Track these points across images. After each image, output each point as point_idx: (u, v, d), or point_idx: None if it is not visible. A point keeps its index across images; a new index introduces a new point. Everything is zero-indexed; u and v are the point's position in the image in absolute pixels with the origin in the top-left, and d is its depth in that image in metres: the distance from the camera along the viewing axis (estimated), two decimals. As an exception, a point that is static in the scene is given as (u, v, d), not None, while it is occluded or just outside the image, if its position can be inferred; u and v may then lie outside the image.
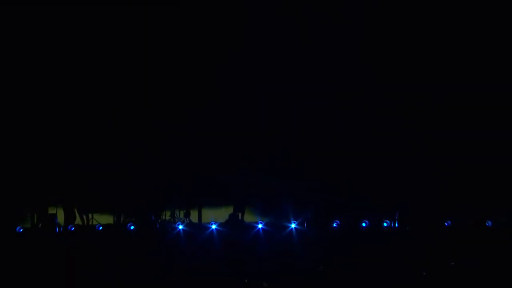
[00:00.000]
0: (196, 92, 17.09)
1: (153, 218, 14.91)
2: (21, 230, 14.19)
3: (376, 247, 12.74)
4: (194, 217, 16.28)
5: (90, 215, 15.26)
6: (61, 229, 14.48)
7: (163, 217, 15.31)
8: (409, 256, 11.56)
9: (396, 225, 14.52)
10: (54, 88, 16.79)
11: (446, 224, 14.32)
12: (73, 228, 14.62)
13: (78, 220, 15.14)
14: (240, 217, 15.32)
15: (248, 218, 15.50)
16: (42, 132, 16.67)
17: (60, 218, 14.81)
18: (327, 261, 11.15)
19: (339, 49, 16.89)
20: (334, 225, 14.47)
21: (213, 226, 14.66)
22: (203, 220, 16.81)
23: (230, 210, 15.45)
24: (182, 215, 15.70)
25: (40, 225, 14.49)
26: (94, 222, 15.20)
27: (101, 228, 14.76)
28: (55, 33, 16.57)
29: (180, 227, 14.96)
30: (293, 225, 14.66)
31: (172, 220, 15.40)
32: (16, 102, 16.65)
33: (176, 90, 17.08)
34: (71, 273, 10.49)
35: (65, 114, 16.84)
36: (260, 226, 14.73)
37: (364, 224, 14.48)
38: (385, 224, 14.50)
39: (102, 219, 15.45)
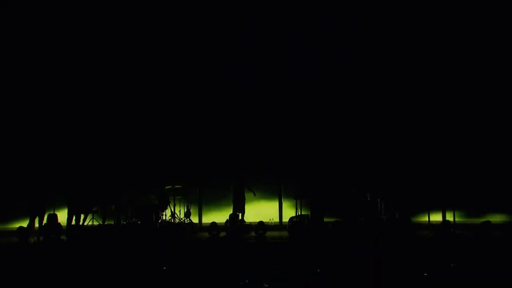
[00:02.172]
0: (196, 92, 17.10)
1: (153, 218, 14.87)
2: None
3: (377, 246, 12.73)
4: (194, 217, 16.32)
5: (91, 215, 15.27)
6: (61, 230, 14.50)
7: (164, 217, 15.30)
8: (409, 256, 11.55)
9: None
10: (55, 88, 16.83)
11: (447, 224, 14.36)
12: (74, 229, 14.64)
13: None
14: (240, 218, 15.30)
15: (248, 218, 15.50)
16: (42, 131, 16.70)
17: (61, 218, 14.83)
18: (326, 261, 11.12)
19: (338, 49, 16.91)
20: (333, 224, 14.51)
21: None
22: (204, 220, 16.87)
23: (230, 210, 15.44)
24: (182, 215, 15.71)
25: (40, 225, 14.46)
26: (95, 223, 15.21)
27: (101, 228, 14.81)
28: (55, 33, 16.59)
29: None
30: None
31: (172, 220, 15.39)
32: (15, 103, 16.68)
33: (176, 90, 17.09)
34: (73, 273, 10.48)
35: (66, 113, 16.88)
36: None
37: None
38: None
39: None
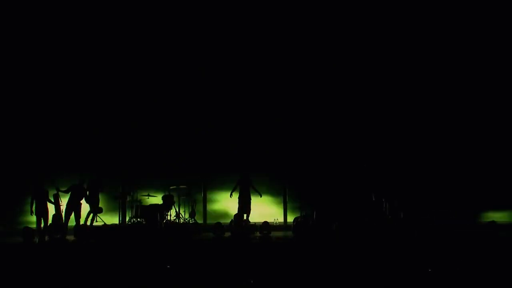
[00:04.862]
0: (198, 92, 17.11)
1: (158, 219, 14.88)
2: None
3: (379, 245, 12.74)
4: (199, 217, 16.31)
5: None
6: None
7: (168, 217, 15.30)
8: (413, 252, 11.56)
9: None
10: (60, 91, 16.85)
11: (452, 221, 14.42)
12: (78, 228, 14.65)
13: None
14: (245, 218, 15.28)
15: (253, 218, 15.48)
16: (45, 131, 16.71)
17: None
18: (330, 260, 11.11)
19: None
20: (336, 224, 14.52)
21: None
22: (208, 221, 16.87)
23: (235, 210, 15.42)
24: (187, 215, 15.71)
25: (45, 226, 14.49)
26: (100, 222, 15.24)
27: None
28: (55, 33, 16.60)
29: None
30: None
31: (177, 220, 15.40)
32: (20, 107, 16.71)
33: (176, 90, 17.10)
34: (78, 273, 10.51)
35: (70, 115, 16.89)
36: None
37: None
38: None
39: (108, 219, 15.50)
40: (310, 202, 15.35)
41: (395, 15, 16.49)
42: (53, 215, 14.61)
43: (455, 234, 13.74)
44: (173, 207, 15.48)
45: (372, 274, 10.12)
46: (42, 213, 14.48)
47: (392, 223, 14.43)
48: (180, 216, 15.55)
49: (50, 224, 14.49)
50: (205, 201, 17.11)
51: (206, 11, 16.50)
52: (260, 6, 16.43)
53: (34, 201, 14.52)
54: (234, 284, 10.20)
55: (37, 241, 13.99)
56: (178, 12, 16.52)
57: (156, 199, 15.66)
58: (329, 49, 16.83)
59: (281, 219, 16.89)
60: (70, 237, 14.28)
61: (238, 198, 15.39)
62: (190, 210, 15.75)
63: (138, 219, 14.90)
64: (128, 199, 15.40)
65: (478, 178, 16.09)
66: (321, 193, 15.45)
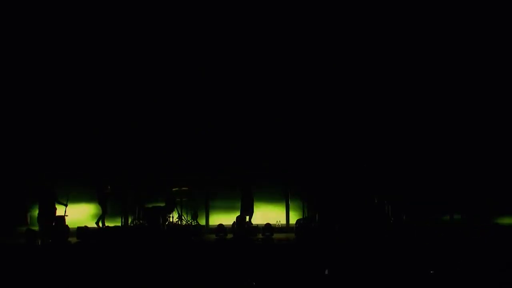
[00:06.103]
0: (198, 92, 17.11)
1: (160, 221, 14.89)
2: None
3: (381, 245, 12.72)
4: (201, 219, 16.31)
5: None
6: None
7: (171, 220, 15.31)
8: (415, 253, 11.55)
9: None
10: (57, 88, 16.85)
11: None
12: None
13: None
14: (247, 220, 15.28)
15: (255, 220, 15.47)
16: (45, 131, 16.72)
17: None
18: (332, 262, 11.10)
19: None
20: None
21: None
22: (211, 223, 16.85)
23: (237, 212, 15.42)
24: (189, 218, 15.70)
25: (49, 227, 14.50)
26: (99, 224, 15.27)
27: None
28: (55, 33, 16.62)
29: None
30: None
31: (179, 222, 15.39)
32: (26, 112, 16.74)
33: (177, 90, 17.10)
34: (80, 274, 10.54)
35: (70, 113, 16.89)
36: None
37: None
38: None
39: (110, 221, 15.52)
40: (313, 204, 15.32)
41: (395, 15, 16.47)
42: (56, 217, 14.59)
43: (457, 235, 13.74)
44: (175, 209, 15.48)
45: (374, 276, 10.10)
46: (46, 215, 14.48)
47: (394, 225, 14.41)
48: (183, 218, 15.55)
49: (53, 225, 14.47)
50: (207, 203, 17.08)
51: (206, 11, 16.50)
52: (260, 6, 16.41)
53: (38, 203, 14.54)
54: (236, 286, 10.21)
55: (39, 242, 13.99)
56: (178, 12, 16.52)
57: None
58: (329, 49, 16.79)
59: (283, 221, 16.85)
60: (73, 239, 14.33)
61: (240, 200, 15.39)
62: (192, 212, 15.74)
63: (140, 221, 14.91)
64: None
65: (481, 180, 16.04)
66: (324, 195, 15.42)
